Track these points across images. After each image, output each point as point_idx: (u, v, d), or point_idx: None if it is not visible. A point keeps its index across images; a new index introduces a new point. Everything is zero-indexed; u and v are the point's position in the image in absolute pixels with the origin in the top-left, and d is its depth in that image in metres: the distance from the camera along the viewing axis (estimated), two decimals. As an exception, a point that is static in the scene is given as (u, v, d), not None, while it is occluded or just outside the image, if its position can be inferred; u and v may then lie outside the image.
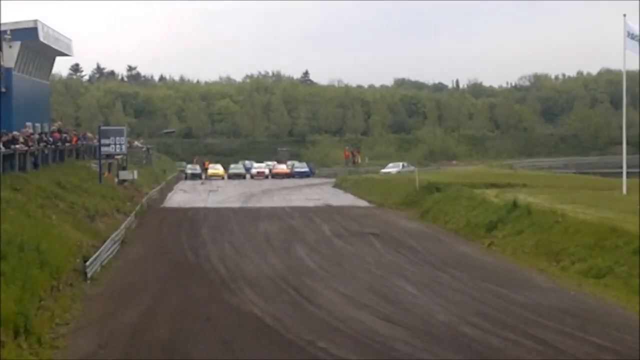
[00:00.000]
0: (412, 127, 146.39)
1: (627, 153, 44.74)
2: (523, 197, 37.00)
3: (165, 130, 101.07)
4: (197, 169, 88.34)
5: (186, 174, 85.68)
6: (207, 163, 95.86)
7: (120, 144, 50.41)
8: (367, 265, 26.79)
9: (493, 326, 17.33)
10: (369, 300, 20.16)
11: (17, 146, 37.07)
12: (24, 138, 39.77)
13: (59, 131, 51.72)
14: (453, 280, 23.46)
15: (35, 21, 52.46)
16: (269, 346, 15.59)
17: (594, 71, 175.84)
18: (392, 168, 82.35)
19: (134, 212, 40.79)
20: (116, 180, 51.32)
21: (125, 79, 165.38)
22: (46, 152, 43.81)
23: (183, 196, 59.28)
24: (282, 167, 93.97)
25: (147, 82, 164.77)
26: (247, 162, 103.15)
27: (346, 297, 20.69)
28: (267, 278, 23.68)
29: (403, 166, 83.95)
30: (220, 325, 17.44)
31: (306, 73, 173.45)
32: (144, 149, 78.07)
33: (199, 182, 79.42)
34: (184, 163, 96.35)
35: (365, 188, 61.08)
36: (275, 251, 29.89)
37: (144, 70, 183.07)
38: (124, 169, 55.09)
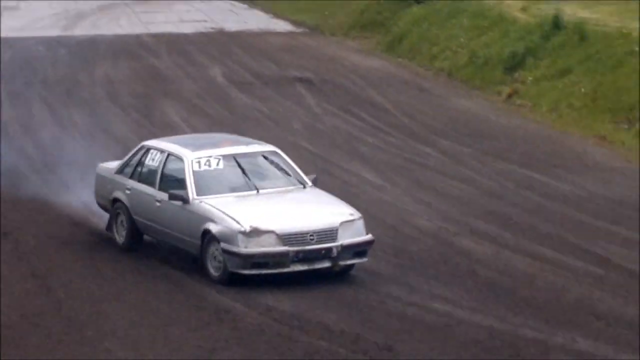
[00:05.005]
0: None
1: None
2: (571, 11, 29.08)
3: None
4: None
5: None
6: None
7: None
8: (292, 136, 21.70)
9: (526, 243, 14.21)
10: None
11: None
12: None
13: None
14: (449, 161, 19.60)
15: None
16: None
17: None
18: None
19: None
20: None
21: None
22: None
23: None
24: None
25: None
26: None
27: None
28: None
29: None
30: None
31: None
32: None
33: None
34: None
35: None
36: (125, 113, 23.97)
37: None
38: None
